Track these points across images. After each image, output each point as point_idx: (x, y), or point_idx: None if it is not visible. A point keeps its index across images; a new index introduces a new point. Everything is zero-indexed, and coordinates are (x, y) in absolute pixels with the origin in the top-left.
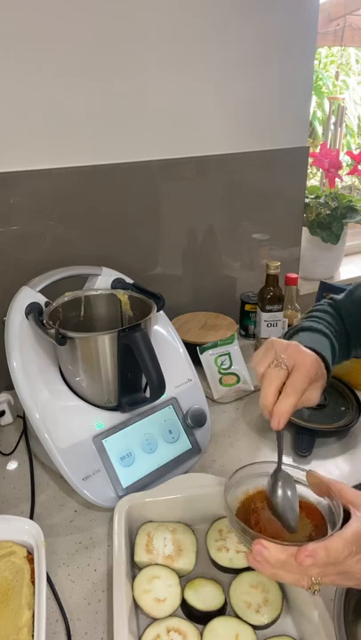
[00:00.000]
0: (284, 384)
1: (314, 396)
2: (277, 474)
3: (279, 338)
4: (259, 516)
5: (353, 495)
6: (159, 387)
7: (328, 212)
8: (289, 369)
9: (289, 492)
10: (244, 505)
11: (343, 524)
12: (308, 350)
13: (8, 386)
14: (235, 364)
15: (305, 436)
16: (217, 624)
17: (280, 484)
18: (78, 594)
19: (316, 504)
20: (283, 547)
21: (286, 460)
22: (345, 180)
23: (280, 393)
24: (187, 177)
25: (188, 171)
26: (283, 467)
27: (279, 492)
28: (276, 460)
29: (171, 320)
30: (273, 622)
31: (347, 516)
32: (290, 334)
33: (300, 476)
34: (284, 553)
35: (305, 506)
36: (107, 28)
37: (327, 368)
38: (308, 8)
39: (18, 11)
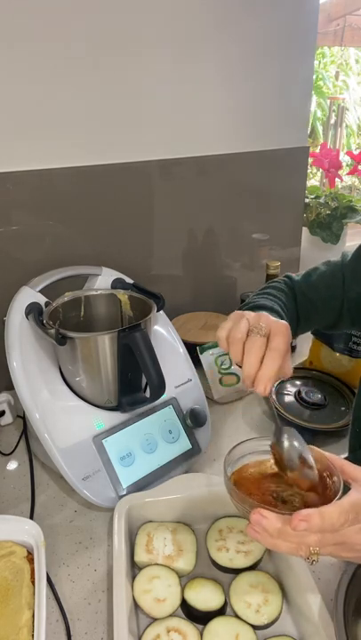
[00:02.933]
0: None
1: (288, 368)
2: (281, 429)
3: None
4: (258, 488)
5: (354, 471)
6: (159, 387)
7: (328, 212)
8: (267, 334)
9: (296, 443)
10: (243, 477)
11: None
12: (277, 319)
13: (8, 386)
14: (235, 365)
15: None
16: (217, 624)
17: (285, 435)
18: (78, 594)
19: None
20: (281, 515)
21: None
22: (345, 179)
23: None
24: (187, 177)
25: (188, 171)
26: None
27: (285, 442)
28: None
29: (171, 320)
30: (273, 622)
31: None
32: (245, 309)
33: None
34: (282, 521)
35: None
36: (107, 27)
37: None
38: (308, 8)
39: (18, 11)
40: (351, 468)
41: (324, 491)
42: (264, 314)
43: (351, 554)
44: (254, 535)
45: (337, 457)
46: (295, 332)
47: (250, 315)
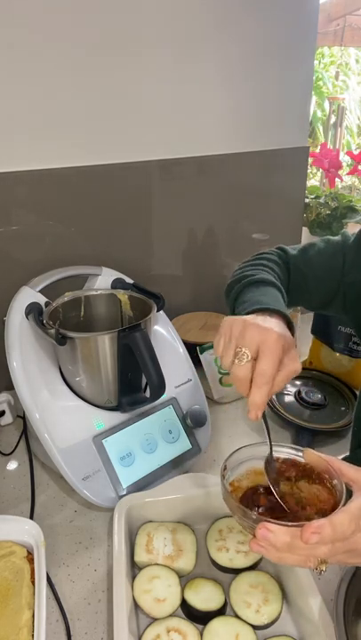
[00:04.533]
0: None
1: (296, 367)
2: (270, 460)
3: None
4: (258, 499)
5: (353, 473)
6: (159, 387)
7: (328, 212)
8: (253, 356)
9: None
10: (242, 489)
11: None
12: (267, 325)
13: (8, 386)
14: None
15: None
16: (217, 624)
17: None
18: (78, 594)
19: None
20: (288, 528)
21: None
22: (345, 179)
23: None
24: (187, 177)
25: (188, 171)
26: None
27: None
28: (264, 441)
29: (171, 320)
30: (273, 622)
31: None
32: (243, 285)
33: (299, 455)
34: (290, 534)
35: (306, 490)
36: (107, 27)
37: (290, 326)
38: (308, 8)
39: (18, 11)
40: (350, 470)
41: (324, 494)
42: (252, 325)
43: (360, 559)
44: (259, 550)
45: (335, 459)
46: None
47: (236, 331)
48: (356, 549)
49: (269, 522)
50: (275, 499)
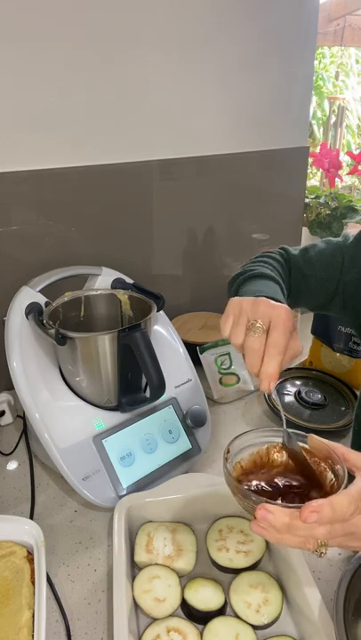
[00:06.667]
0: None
1: (298, 346)
2: (286, 433)
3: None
4: (259, 481)
5: (356, 458)
6: (159, 387)
7: (328, 211)
8: (266, 329)
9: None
10: (244, 472)
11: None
12: (277, 303)
13: (8, 386)
14: (235, 364)
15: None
16: (217, 624)
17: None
18: (78, 594)
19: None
20: (287, 509)
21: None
22: (345, 179)
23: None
24: (187, 177)
25: (187, 171)
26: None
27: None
28: (269, 427)
29: (171, 320)
30: (273, 622)
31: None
32: (244, 278)
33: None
34: (289, 515)
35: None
36: (107, 27)
37: None
38: (308, 8)
39: (18, 11)
40: (354, 456)
41: (325, 480)
42: (262, 300)
43: (360, 543)
44: (260, 531)
45: (339, 445)
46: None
47: (247, 306)
48: (356, 532)
49: (269, 503)
50: (276, 482)
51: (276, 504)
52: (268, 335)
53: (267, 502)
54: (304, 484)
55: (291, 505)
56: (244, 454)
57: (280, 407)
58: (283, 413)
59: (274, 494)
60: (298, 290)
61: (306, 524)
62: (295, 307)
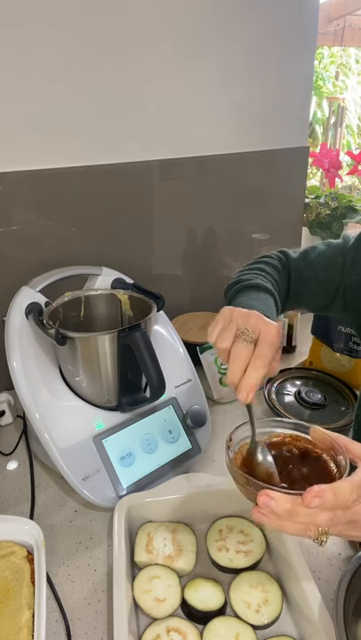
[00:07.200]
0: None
1: (275, 367)
2: (253, 443)
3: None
4: (261, 468)
5: (358, 449)
6: (159, 387)
7: (328, 211)
8: (255, 339)
9: (268, 457)
10: (245, 459)
11: None
12: (269, 320)
13: (8, 386)
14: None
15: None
16: (217, 624)
17: (259, 449)
18: (78, 594)
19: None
20: (289, 496)
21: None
22: (345, 179)
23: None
24: (187, 177)
25: (187, 171)
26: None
27: (259, 457)
28: (271, 418)
29: (171, 320)
30: (273, 622)
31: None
32: (238, 289)
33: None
34: (291, 501)
35: (314, 464)
36: (106, 27)
37: None
38: (308, 8)
39: (18, 10)
40: (356, 447)
41: (327, 470)
42: (254, 314)
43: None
44: (261, 518)
45: (340, 435)
46: (283, 308)
47: (239, 315)
48: (358, 521)
49: (271, 489)
50: (277, 471)
51: (278, 490)
52: (256, 347)
53: (268, 488)
54: (306, 473)
55: (293, 492)
56: (247, 442)
57: (254, 421)
58: (251, 412)
59: (275, 482)
60: (298, 293)
61: (308, 509)
62: (296, 309)
